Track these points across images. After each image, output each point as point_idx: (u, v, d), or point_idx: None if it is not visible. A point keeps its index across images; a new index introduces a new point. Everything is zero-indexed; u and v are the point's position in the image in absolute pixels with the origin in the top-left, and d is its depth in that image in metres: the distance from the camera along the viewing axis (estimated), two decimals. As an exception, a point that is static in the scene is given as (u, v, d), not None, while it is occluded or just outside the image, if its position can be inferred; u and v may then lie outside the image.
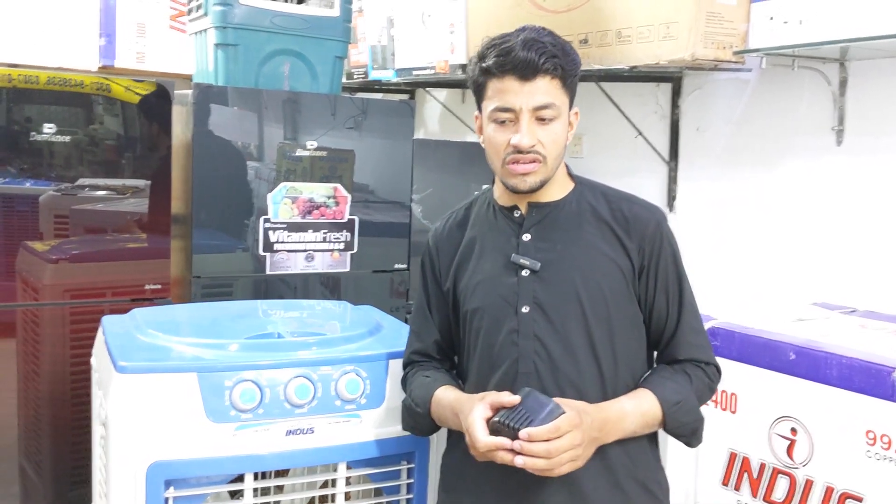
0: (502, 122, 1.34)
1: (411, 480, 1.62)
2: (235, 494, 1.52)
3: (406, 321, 2.59)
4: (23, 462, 2.46)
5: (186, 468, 1.42)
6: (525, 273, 1.38)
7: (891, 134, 2.16)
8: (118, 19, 3.35)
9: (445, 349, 1.52)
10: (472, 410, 1.28)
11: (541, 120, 1.33)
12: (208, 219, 2.34)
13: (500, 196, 1.44)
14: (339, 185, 2.45)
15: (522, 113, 1.32)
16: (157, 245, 2.38)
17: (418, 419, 1.45)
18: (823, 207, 2.31)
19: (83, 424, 2.36)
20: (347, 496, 1.59)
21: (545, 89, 1.32)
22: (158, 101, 2.38)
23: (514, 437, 1.21)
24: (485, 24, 2.92)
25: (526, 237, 1.40)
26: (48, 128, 2.28)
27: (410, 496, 1.63)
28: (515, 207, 1.42)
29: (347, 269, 2.51)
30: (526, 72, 1.30)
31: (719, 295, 2.55)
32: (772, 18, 2.04)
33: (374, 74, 3.44)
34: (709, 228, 2.63)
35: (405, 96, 3.96)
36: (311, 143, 2.42)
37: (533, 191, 1.37)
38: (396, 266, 2.59)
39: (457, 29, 3.03)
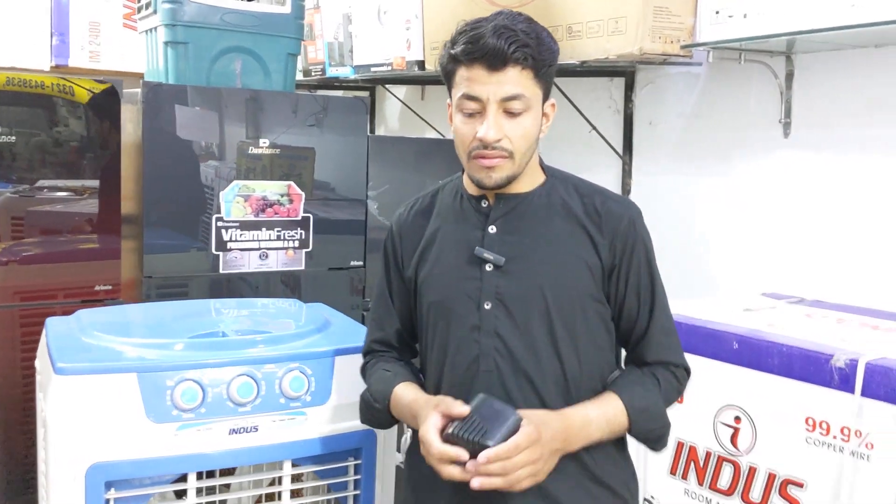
0: (470, 114, 1.28)
1: (358, 477, 1.62)
2: (182, 494, 1.52)
3: (363, 319, 2.61)
4: (-24, 468, 2.42)
5: (127, 469, 1.42)
6: (489, 267, 1.33)
7: (836, 126, 2.19)
8: (71, 18, 3.32)
9: (406, 339, 1.49)
10: (426, 418, 1.25)
11: (509, 113, 1.27)
12: (159, 218, 2.33)
13: (469, 185, 1.39)
14: (292, 183, 2.45)
15: (489, 104, 1.26)
16: (108, 246, 2.36)
17: (377, 414, 1.43)
18: (773, 199, 2.34)
19: (35, 428, 2.34)
20: (294, 494, 1.59)
21: (515, 80, 1.25)
22: (108, 100, 2.35)
23: (471, 447, 1.19)
24: (440, 20, 2.92)
25: (492, 229, 1.35)
26: (5, 129, 2.25)
27: (358, 492, 1.63)
28: (483, 197, 1.37)
29: (303, 266, 2.51)
30: (494, 61, 1.24)
31: (673, 287, 2.57)
32: (717, 12, 2.07)
33: (332, 71, 3.43)
34: (663, 222, 2.64)
35: (365, 93, 3.95)
36: (264, 141, 2.41)
37: (499, 187, 1.32)
38: (352, 263, 2.59)
39: (412, 25, 3.03)
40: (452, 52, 1.28)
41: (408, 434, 1.56)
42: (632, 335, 1.39)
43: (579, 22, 2.29)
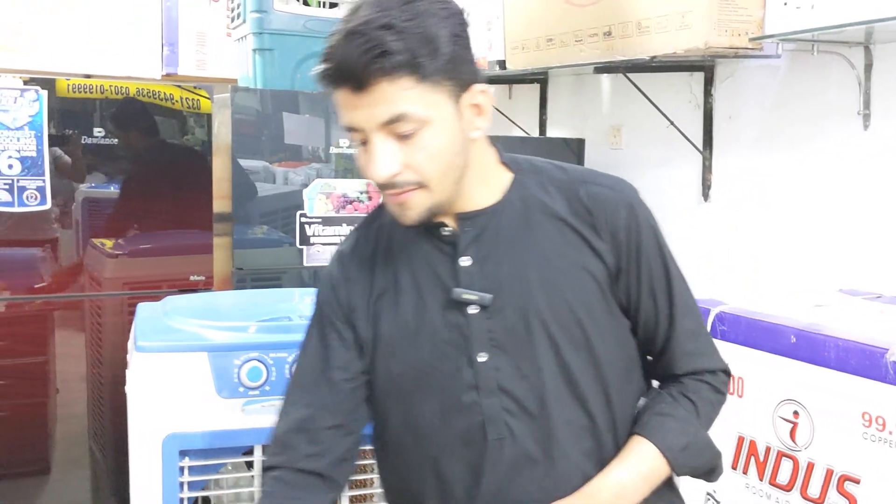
0: (361, 144, 1.02)
1: (414, 456, 1.71)
2: (251, 465, 1.64)
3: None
4: (91, 445, 2.66)
5: (199, 439, 1.55)
6: (473, 310, 1.06)
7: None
8: (180, 29, 3.57)
9: (343, 423, 1.13)
10: None
11: (401, 133, 0.98)
12: (248, 215, 2.49)
13: None
14: (370, 181, 2.56)
15: (369, 134, 0.99)
16: (201, 241, 2.55)
17: None
18: (854, 192, 2.28)
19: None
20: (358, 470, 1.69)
21: (388, 97, 0.96)
22: (199, 105, 2.54)
23: None
24: (520, 21, 2.98)
25: (465, 261, 1.08)
26: (109, 133, 2.47)
27: (414, 472, 1.71)
28: (442, 223, 1.09)
29: (382, 260, 2.62)
30: (353, 80, 0.96)
31: (754, 282, 2.54)
32: (785, 4, 2.04)
33: (419, 73, 3.54)
34: (743, 217, 2.62)
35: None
36: (344, 142, 2.54)
37: (422, 222, 1.04)
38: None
39: (493, 26, 3.10)
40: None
41: None
42: (653, 345, 1.15)
43: (648, 17, 2.30)
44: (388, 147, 0.99)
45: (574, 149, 3.13)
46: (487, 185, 1.10)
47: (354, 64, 0.94)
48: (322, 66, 0.99)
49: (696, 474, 1.15)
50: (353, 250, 1.16)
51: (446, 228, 1.09)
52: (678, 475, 1.14)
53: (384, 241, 1.14)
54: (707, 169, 2.75)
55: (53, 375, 2.61)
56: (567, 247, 1.08)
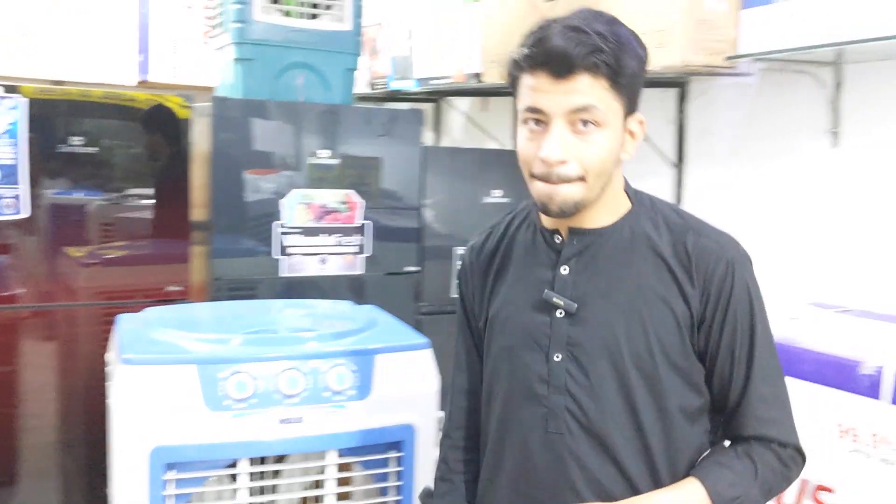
0: (534, 128, 1.12)
1: (400, 469, 1.72)
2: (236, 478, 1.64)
3: (417, 322, 2.71)
4: (61, 456, 2.61)
5: (186, 452, 1.55)
6: (559, 314, 1.18)
7: (885, 135, 2.19)
8: (154, 36, 3.54)
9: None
10: None
11: (579, 128, 1.09)
12: (227, 225, 2.48)
13: (542, 214, 1.21)
14: (350, 192, 2.57)
15: (554, 118, 1.09)
16: (179, 250, 2.53)
17: None
18: (822, 208, 2.34)
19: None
20: (341, 482, 1.69)
21: (585, 89, 1.07)
22: (181, 113, 2.53)
23: None
24: (498, 34, 3.01)
25: (563, 270, 1.19)
26: (103, 141, 2.43)
27: (400, 483, 1.72)
28: (557, 231, 1.20)
29: (361, 271, 2.63)
30: (560, 67, 1.07)
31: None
32: (759, 24, 2.09)
33: (395, 85, 3.56)
34: (715, 230, 2.67)
35: (429, 105, 4.07)
36: (324, 152, 2.54)
37: (566, 214, 1.14)
38: (407, 268, 2.70)
39: (471, 39, 3.13)
40: (515, 56, 1.12)
41: None
42: (726, 403, 1.19)
43: (627, 35, 2.34)
44: (565, 135, 1.09)
45: (549, 161, 3.16)
46: (608, 207, 1.18)
47: (570, 52, 1.06)
48: (528, 49, 1.09)
49: None
50: (482, 244, 1.32)
51: (558, 236, 1.20)
52: None
53: (508, 240, 1.28)
54: (680, 183, 2.81)
55: (19, 385, 2.57)
56: (659, 283, 1.16)
